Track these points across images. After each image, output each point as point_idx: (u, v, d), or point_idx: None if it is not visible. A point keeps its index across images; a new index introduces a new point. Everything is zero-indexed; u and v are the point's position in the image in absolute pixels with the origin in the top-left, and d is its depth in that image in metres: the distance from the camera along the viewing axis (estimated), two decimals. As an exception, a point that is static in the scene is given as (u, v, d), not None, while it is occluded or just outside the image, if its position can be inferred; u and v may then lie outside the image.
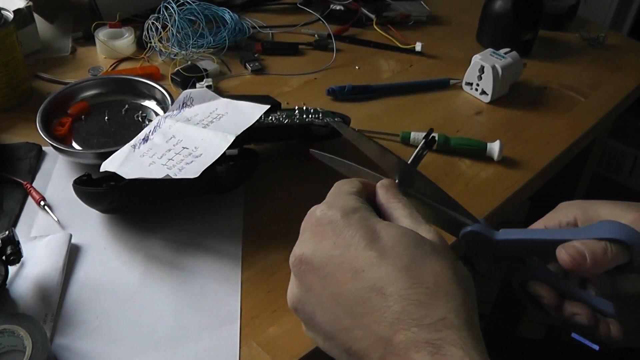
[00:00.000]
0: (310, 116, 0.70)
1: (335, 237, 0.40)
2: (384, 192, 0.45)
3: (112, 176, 0.60)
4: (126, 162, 0.61)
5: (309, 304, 0.40)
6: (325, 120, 0.69)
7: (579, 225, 0.48)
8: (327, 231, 0.40)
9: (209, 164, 0.58)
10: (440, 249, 0.39)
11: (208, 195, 0.64)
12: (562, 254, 0.43)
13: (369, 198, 0.45)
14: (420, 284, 0.37)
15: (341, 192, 0.44)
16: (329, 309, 0.39)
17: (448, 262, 0.38)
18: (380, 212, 0.44)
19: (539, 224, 0.52)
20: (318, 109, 0.71)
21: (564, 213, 0.50)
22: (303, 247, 0.40)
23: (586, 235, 0.43)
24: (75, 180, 0.60)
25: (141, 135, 0.65)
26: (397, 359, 0.35)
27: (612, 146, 1.77)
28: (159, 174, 0.58)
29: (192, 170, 0.58)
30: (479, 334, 0.36)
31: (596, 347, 1.45)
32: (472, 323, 0.36)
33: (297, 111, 0.70)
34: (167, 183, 0.58)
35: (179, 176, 0.58)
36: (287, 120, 0.69)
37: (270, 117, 0.69)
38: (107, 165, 0.61)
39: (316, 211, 0.41)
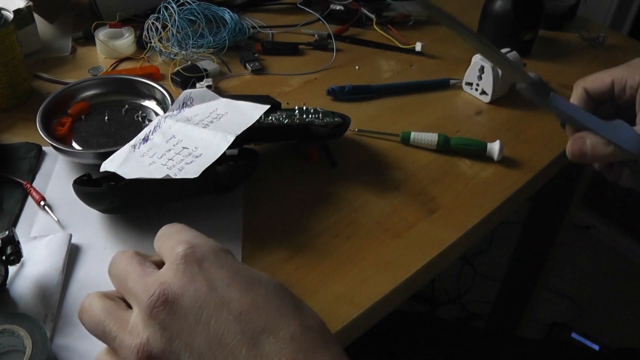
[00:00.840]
0: (310, 116, 0.70)
1: (211, 279, 0.36)
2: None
3: (112, 176, 0.60)
4: (126, 162, 0.61)
5: (171, 352, 0.35)
6: (325, 120, 0.69)
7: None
8: (205, 266, 0.37)
9: (209, 164, 0.58)
10: (303, 302, 0.39)
11: (208, 195, 0.64)
12: (570, 144, 0.54)
13: None
14: (312, 329, 0.36)
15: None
16: (203, 356, 0.35)
17: (314, 312, 0.38)
18: None
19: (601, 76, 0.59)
20: (318, 109, 0.71)
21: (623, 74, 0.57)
22: (169, 283, 0.36)
23: (605, 132, 0.53)
24: (75, 180, 0.60)
25: (141, 135, 0.65)
26: None
27: (612, 146, 1.77)
28: (159, 174, 0.58)
29: (192, 170, 0.58)
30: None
31: (596, 347, 1.45)
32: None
33: (297, 111, 0.70)
34: (167, 183, 0.58)
35: (179, 176, 0.58)
36: (287, 120, 0.69)
37: (270, 117, 0.69)
38: (107, 166, 0.61)
39: (188, 243, 0.38)
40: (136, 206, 0.63)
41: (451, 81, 0.87)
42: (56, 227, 0.62)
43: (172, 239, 0.39)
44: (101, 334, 0.37)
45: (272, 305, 0.36)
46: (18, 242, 0.54)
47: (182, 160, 0.60)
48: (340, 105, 0.81)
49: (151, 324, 0.35)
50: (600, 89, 0.58)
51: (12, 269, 0.54)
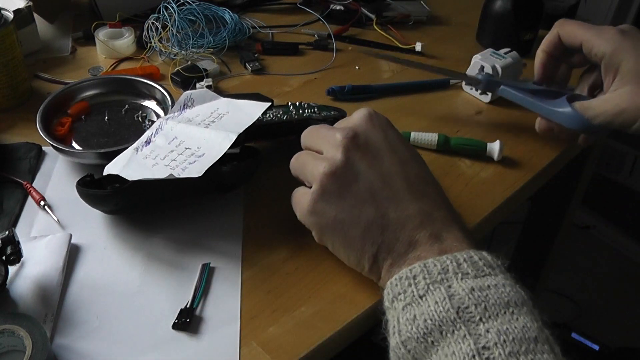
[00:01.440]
0: (306, 111, 0.70)
1: (384, 133, 0.52)
2: None
3: (116, 177, 0.60)
4: (129, 165, 0.61)
5: (351, 172, 0.49)
6: (323, 114, 0.70)
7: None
8: (379, 122, 0.53)
9: (212, 163, 0.58)
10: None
11: (211, 194, 0.64)
12: (537, 123, 0.72)
13: None
14: (443, 194, 0.53)
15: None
16: (375, 179, 0.49)
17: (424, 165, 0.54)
18: None
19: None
20: (311, 103, 0.72)
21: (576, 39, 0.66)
22: (359, 126, 0.51)
23: (548, 114, 0.69)
24: (78, 181, 0.60)
25: (143, 137, 0.65)
26: (431, 228, 0.48)
27: (612, 146, 1.77)
28: (162, 175, 0.58)
29: (195, 170, 0.58)
30: (454, 214, 0.51)
31: (596, 347, 1.45)
32: (448, 206, 0.51)
33: (291, 107, 0.71)
34: (171, 184, 0.58)
35: (182, 176, 0.58)
36: (285, 117, 0.69)
37: (267, 115, 0.69)
38: (110, 169, 0.61)
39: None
40: (141, 207, 0.63)
41: (451, 81, 0.87)
42: (56, 227, 0.62)
43: (348, 120, 0.55)
44: (304, 166, 0.54)
45: (423, 165, 0.55)
46: (18, 242, 0.54)
47: (185, 160, 0.60)
48: (341, 105, 0.81)
49: (340, 150, 0.50)
50: (571, 44, 0.66)
51: (12, 269, 0.54)
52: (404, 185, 0.49)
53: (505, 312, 0.40)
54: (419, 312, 0.42)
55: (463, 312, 0.40)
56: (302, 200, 0.52)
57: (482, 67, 0.82)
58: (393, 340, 0.43)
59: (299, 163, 0.54)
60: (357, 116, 0.52)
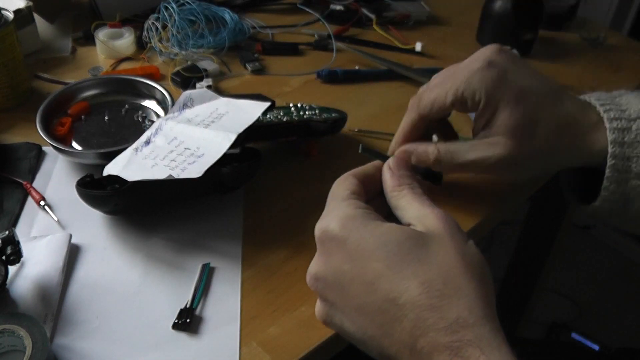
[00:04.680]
0: (307, 112, 0.70)
1: (341, 252, 0.41)
2: (389, 177, 0.46)
3: (116, 177, 0.60)
4: (129, 165, 0.61)
5: (335, 316, 0.42)
6: (323, 116, 0.70)
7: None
8: (331, 247, 0.41)
9: (211, 164, 0.58)
10: (446, 240, 0.39)
11: (211, 195, 0.64)
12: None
13: (370, 187, 0.46)
14: (430, 288, 0.37)
15: (336, 197, 0.45)
16: (354, 320, 0.41)
17: (455, 252, 0.39)
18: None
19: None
20: (312, 105, 0.72)
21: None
22: (315, 266, 0.43)
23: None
24: (78, 181, 0.60)
25: (143, 138, 0.65)
26: None
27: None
28: (161, 175, 0.58)
29: (195, 170, 0.58)
30: (496, 326, 0.36)
31: (596, 347, 1.45)
32: (488, 316, 0.36)
33: (292, 108, 0.71)
34: (172, 185, 0.58)
35: (182, 176, 0.58)
36: (286, 118, 0.69)
37: (268, 116, 0.69)
38: (110, 169, 0.61)
39: (318, 229, 0.43)
40: (141, 208, 0.63)
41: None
42: (56, 227, 0.62)
43: (323, 218, 0.44)
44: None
45: (388, 268, 0.39)
46: (18, 242, 0.54)
47: (185, 160, 0.60)
48: (341, 105, 0.81)
49: (318, 301, 0.44)
50: (440, 115, 0.58)
51: (12, 269, 0.54)
52: (378, 316, 0.39)
53: None
54: None
55: None
56: None
57: (482, 67, 0.82)
58: None
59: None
60: (316, 237, 0.43)
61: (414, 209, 0.43)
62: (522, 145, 0.53)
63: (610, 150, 0.51)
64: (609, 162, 0.52)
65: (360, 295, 0.39)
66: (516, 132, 0.53)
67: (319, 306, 0.44)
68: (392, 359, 0.39)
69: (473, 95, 0.53)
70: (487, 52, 0.55)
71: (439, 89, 0.56)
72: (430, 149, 0.56)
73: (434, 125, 0.60)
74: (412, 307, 0.37)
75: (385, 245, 0.39)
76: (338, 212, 0.42)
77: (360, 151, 0.50)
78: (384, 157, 0.49)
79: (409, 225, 0.43)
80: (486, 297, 0.38)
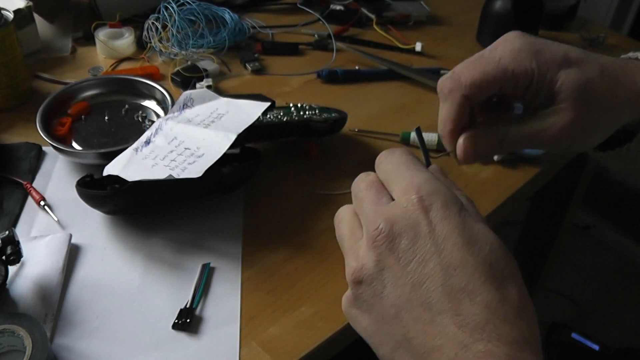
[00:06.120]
0: (307, 113, 0.70)
1: (431, 227, 0.37)
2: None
3: (116, 177, 0.60)
4: (129, 165, 0.61)
5: (379, 281, 0.38)
6: (323, 116, 0.70)
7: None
8: (421, 216, 0.37)
9: (211, 164, 0.58)
10: (518, 270, 0.39)
11: (212, 195, 0.64)
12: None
13: None
14: (508, 301, 0.36)
15: (431, 175, 0.41)
16: (403, 294, 0.37)
17: (523, 283, 0.38)
18: None
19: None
20: (313, 105, 0.72)
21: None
22: (397, 223, 0.37)
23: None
24: (78, 181, 0.60)
25: (143, 138, 0.65)
26: None
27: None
28: (161, 175, 0.58)
29: (195, 170, 0.58)
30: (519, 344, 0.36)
31: (596, 347, 1.45)
32: (540, 349, 0.36)
33: (292, 108, 0.71)
34: (172, 184, 0.58)
35: (182, 176, 0.58)
36: (286, 118, 0.69)
37: (268, 116, 0.69)
38: (110, 169, 0.61)
39: (416, 189, 0.38)
40: (141, 208, 0.63)
41: (442, 71, 0.87)
42: (56, 227, 0.62)
43: (404, 178, 0.40)
44: (341, 247, 0.41)
45: (480, 267, 0.36)
46: (18, 242, 0.54)
47: (185, 160, 0.60)
48: (341, 105, 0.81)
49: (370, 253, 0.38)
50: (487, 94, 0.50)
51: (12, 269, 0.54)
52: (440, 301, 0.36)
53: None
54: None
55: None
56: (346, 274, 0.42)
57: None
58: None
59: (338, 221, 0.43)
60: (404, 199, 0.38)
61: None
62: (589, 105, 0.49)
63: None
64: None
65: (433, 274, 0.36)
66: (578, 94, 0.50)
67: (365, 261, 0.38)
68: (423, 349, 0.36)
69: (521, 64, 0.48)
70: (511, 33, 0.50)
71: (476, 65, 0.49)
72: (491, 131, 0.51)
73: (476, 110, 0.53)
74: (485, 310, 0.35)
75: (485, 243, 0.38)
76: (440, 187, 0.39)
77: (413, 131, 0.47)
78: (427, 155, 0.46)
79: None
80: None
